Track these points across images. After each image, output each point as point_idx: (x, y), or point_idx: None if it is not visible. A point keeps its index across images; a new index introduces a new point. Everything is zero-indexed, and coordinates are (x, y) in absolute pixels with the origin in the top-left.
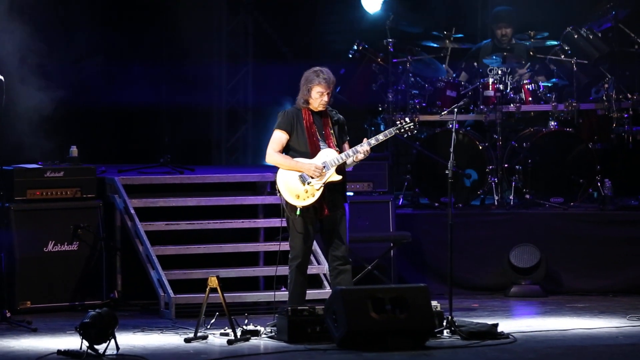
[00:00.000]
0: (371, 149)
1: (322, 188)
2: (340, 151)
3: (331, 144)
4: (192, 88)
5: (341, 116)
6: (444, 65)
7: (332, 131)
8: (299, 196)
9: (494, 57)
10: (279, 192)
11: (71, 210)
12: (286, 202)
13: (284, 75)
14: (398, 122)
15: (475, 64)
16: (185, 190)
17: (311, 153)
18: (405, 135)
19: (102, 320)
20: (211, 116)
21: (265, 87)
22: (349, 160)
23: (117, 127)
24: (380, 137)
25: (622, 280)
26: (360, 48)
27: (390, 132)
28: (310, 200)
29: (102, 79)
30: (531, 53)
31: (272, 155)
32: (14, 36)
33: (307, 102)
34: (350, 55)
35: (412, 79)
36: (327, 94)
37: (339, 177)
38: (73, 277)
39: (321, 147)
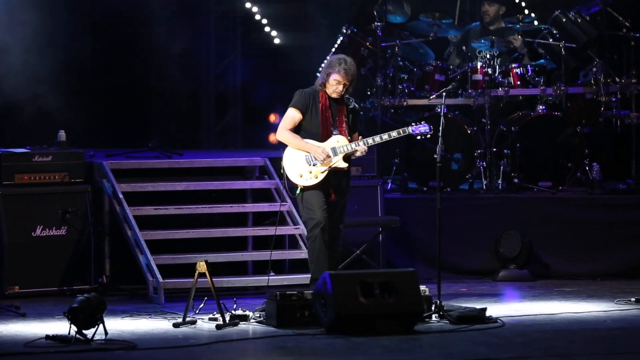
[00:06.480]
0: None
1: (326, 172)
2: (351, 140)
3: (343, 132)
4: (181, 72)
5: (356, 105)
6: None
7: (346, 119)
8: (302, 175)
9: (483, 40)
10: (283, 169)
11: (59, 195)
12: (288, 179)
13: (273, 60)
14: (413, 124)
15: (464, 47)
16: (173, 174)
17: (322, 136)
18: (419, 138)
19: (90, 305)
20: (200, 100)
21: (254, 72)
22: (359, 152)
23: (105, 111)
24: (394, 133)
25: (610, 264)
26: (349, 32)
27: (405, 130)
28: (313, 181)
29: (90, 63)
30: (519, 37)
31: (283, 132)
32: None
33: (324, 85)
34: (339, 40)
35: (401, 63)
36: (344, 84)
37: (345, 165)
38: (61, 262)
39: (333, 133)
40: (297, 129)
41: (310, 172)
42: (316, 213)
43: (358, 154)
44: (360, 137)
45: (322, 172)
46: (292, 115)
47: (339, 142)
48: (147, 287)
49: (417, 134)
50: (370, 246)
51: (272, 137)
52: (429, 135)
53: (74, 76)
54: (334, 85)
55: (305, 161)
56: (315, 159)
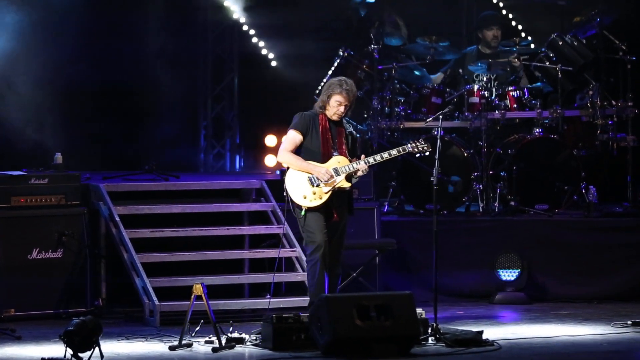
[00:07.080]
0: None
1: (330, 192)
2: (352, 162)
3: (343, 153)
4: (178, 94)
5: (354, 131)
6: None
7: (345, 141)
8: (305, 196)
9: (479, 64)
10: (286, 191)
11: (55, 218)
12: (292, 201)
13: (269, 82)
14: (411, 142)
15: (460, 70)
16: (170, 197)
17: (322, 156)
18: (418, 156)
19: (86, 328)
20: (197, 122)
21: (251, 94)
22: (360, 172)
23: (101, 134)
24: (394, 152)
25: (606, 287)
26: (346, 54)
27: (405, 149)
28: (318, 202)
29: (86, 86)
30: (516, 60)
31: (285, 154)
32: None
33: (324, 107)
34: (336, 62)
35: (398, 86)
36: (345, 105)
37: (348, 185)
38: (57, 285)
39: (333, 154)
40: (298, 151)
41: (314, 193)
42: (316, 236)
43: (360, 173)
44: (363, 156)
45: (326, 193)
46: (293, 137)
47: (340, 162)
48: (143, 309)
49: (416, 152)
50: (367, 269)
51: (270, 160)
52: (427, 153)
53: (70, 98)
54: (335, 107)
55: (308, 182)
56: (319, 180)
